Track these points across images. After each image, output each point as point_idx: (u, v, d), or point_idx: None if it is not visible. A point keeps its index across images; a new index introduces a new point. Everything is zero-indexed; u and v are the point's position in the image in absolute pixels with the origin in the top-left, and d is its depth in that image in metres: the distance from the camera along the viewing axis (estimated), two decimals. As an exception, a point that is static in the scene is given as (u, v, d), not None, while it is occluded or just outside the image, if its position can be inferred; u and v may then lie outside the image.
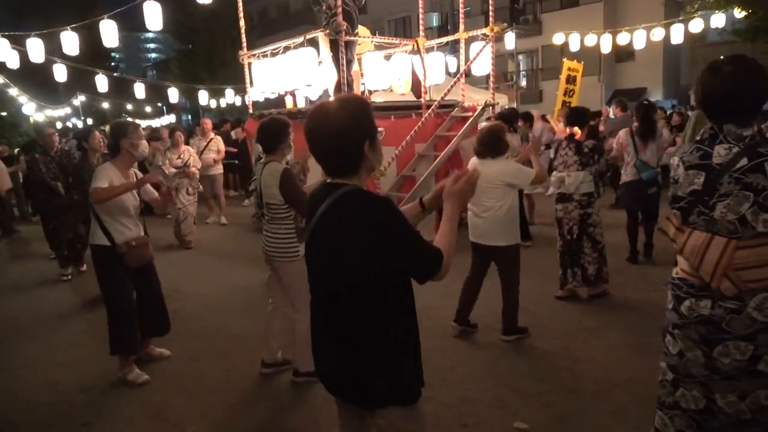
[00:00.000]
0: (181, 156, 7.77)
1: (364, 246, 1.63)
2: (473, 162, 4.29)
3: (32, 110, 23.22)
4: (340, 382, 1.82)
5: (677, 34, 11.72)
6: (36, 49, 9.72)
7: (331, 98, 2.56)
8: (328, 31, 6.84)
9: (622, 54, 22.43)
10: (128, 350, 3.79)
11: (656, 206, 5.89)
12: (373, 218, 1.64)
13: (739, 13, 13.07)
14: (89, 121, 28.44)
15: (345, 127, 1.68)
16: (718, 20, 12.09)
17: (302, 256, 2.46)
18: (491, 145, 4.12)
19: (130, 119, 4.42)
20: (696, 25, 11.43)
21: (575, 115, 5.12)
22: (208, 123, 9.62)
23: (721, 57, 2.06)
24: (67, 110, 29.35)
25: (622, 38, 12.29)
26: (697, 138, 2.05)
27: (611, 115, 9.52)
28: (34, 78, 23.29)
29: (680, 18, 12.27)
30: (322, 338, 1.84)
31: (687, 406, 2.08)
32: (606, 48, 12.64)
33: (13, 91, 20.77)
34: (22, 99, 21.73)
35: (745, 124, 1.96)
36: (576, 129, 4.96)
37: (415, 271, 1.73)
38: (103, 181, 3.57)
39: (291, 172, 3.48)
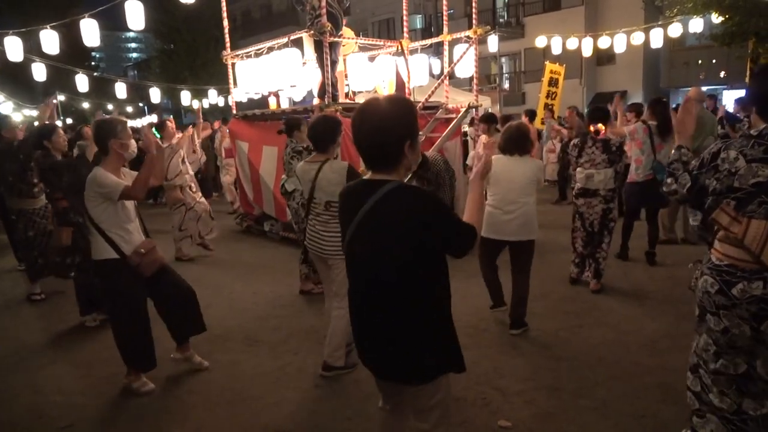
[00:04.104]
0: (196, 150, 7.18)
1: (417, 234, 1.80)
2: (498, 158, 4.31)
3: (9, 110, 22.79)
4: (380, 360, 2.00)
5: (657, 38, 11.93)
6: (14, 47, 9.55)
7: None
8: (312, 31, 6.84)
9: (603, 57, 22.68)
10: (147, 366, 3.62)
11: (662, 202, 6.05)
12: (422, 209, 1.81)
13: (716, 19, 13.30)
14: (69, 121, 27.90)
15: (389, 123, 1.82)
16: (696, 25, 12.31)
17: None
18: (521, 143, 4.20)
19: (115, 116, 4.14)
20: (675, 30, 11.63)
21: (598, 113, 5.16)
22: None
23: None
24: (46, 110, 28.83)
25: (603, 42, 12.49)
26: (754, 133, 2.20)
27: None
28: (11, 76, 22.90)
29: (659, 22, 12.44)
30: (364, 322, 2.00)
31: (727, 371, 2.34)
32: (587, 51, 12.82)
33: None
34: (-1, 98, 21.33)
35: None
36: (600, 126, 5.02)
37: (457, 249, 1.93)
38: (115, 180, 3.31)
39: (355, 168, 3.50)
